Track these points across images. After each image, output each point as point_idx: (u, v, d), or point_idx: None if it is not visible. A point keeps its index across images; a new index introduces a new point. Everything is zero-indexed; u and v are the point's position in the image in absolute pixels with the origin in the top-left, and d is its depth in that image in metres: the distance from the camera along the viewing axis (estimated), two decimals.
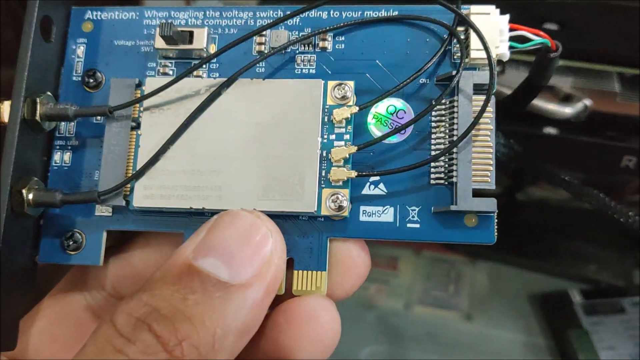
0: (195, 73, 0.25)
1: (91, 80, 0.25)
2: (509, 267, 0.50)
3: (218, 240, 0.20)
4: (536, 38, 0.24)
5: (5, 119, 0.23)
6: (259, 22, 0.25)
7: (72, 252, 0.24)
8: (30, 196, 0.23)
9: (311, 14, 0.24)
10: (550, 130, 0.39)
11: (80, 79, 0.25)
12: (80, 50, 0.26)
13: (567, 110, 0.37)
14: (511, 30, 0.23)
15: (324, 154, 0.23)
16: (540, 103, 0.37)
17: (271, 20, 0.24)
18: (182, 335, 0.18)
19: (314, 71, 0.24)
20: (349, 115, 0.23)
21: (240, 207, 0.22)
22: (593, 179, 0.49)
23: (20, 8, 0.26)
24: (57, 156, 0.25)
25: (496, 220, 0.22)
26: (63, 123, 0.25)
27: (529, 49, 0.24)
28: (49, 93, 0.24)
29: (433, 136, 0.23)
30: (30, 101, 0.23)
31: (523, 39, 0.24)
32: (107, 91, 0.25)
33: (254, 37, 0.25)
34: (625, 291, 0.50)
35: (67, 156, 0.25)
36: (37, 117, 0.23)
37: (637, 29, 0.37)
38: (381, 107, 0.23)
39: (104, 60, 0.25)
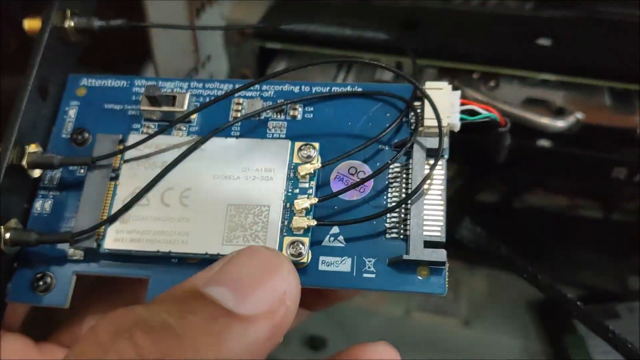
0: (175, 133, 0.27)
1: (79, 137, 0.27)
2: (507, 274, 0.51)
3: (232, 272, 0.19)
4: (485, 112, 0.26)
5: None
6: (238, 94, 0.27)
7: (41, 293, 0.25)
8: (8, 235, 0.24)
9: (284, 88, 0.27)
10: (543, 142, 0.40)
11: (69, 136, 0.27)
12: (73, 112, 0.28)
13: (560, 124, 0.38)
14: (463, 104, 0.26)
15: (287, 205, 0.24)
16: (534, 117, 0.38)
17: (249, 93, 0.27)
18: (165, 350, 0.16)
19: (283, 136, 0.26)
20: (313, 171, 0.25)
21: (205, 250, 0.24)
22: (585, 190, 0.50)
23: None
24: (38, 204, 0.26)
25: (447, 273, 0.24)
26: (48, 174, 0.26)
27: (478, 122, 0.26)
28: (37, 143, 0.26)
29: (389, 194, 0.25)
30: (19, 148, 0.25)
31: (474, 112, 0.26)
32: (92, 147, 0.26)
33: (232, 105, 0.27)
34: (620, 297, 0.51)
35: (48, 204, 0.26)
36: (24, 164, 0.25)
37: (627, 44, 0.39)
38: (343, 169, 0.25)
39: (93, 121, 0.28)
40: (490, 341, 0.50)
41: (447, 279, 0.23)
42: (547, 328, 0.50)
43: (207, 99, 0.27)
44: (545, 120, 0.38)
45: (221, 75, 0.45)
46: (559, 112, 0.39)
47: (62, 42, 0.27)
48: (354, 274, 0.24)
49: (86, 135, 0.27)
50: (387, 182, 0.25)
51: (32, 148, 0.25)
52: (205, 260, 0.24)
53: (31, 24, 0.26)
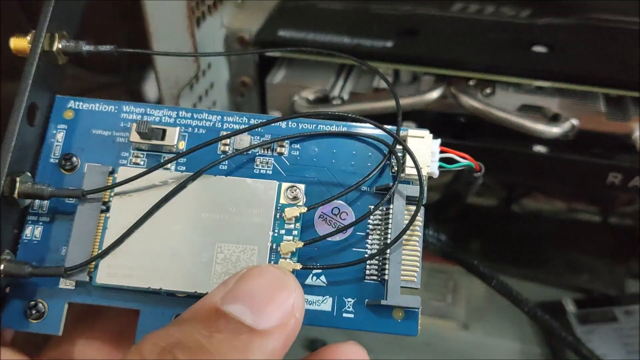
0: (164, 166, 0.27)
1: (67, 164, 0.27)
2: (505, 277, 0.52)
3: (245, 290, 0.21)
4: (463, 160, 0.27)
5: None
6: (226, 125, 0.27)
7: (34, 321, 0.26)
8: (1, 267, 0.24)
9: (272, 124, 0.27)
10: (539, 148, 0.40)
11: (57, 161, 0.27)
12: (60, 135, 0.27)
13: (555, 130, 0.39)
14: (441, 152, 0.26)
15: (274, 247, 0.25)
16: (530, 123, 0.39)
17: (236, 125, 0.27)
18: None
19: (270, 172, 0.27)
20: (299, 214, 0.25)
21: (194, 289, 0.24)
22: (582, 194, 0.51)
23: (26, 23, 0.27)
24: (28, 230, 0.26)
25: (420, 315, 0.25)
26: (37, 200, 0.27)
27: (455, 170, 0.27)
28: (27, 173, 0.26)
29: (370, 237, 0.26)
30: (9, 180, 0.25)
31: (451, 160, 0.27)
32: (81, 174, 0.27)
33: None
34: (617, 300, 0.51)
35: (38, 231, 0.26)
36: (15, 195, 0.25)
37: (621, 51, 0.39)
38: (327, 208, 0.26)
39: (81, 146, 0.27)
40: (489, 344, 0.50)
41: (419, 322, 0.25)
42: (545, 331, 0.50)
43: (196, 130, 0.27)
44: (540, 127, 0.39)
45: (221, 83, 0.46)
46: (555, 119, 0.40)
47: (49, 65, 0.27)
48: (334, 314, 0.25)
49: (75, 161, 0.27)
50: (367, 225, 0.26)
51: (23, 178, 0.25)
52: (193, 297, 0.25)
53: (17, 44, 0.26)
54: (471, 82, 0.41)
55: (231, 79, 0.46)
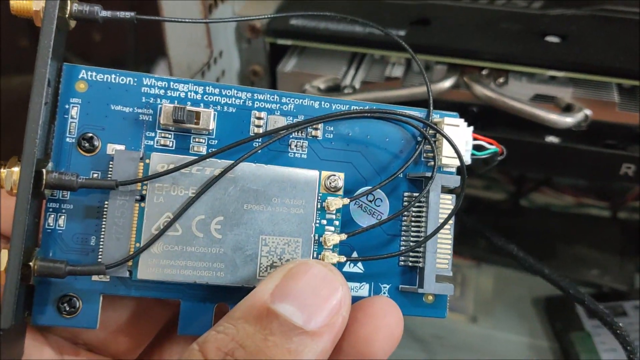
0: (195, 148, 0.26)
1: (88, 145, 0.25)
2: (513, 271, 0.52)
3: (294, 288, 0.22)
4: (491, 147, 0.28)
5: (10, 187, 0.22)
6: (257, 104, 0.26)
7: (68, 316, 0.24)
8: (36, 267, 0.23)
9: (304, 102, 0.27)
10: (552, 139, 0.40)
11: (74, 140, 0.25)
12: (75, 111, 0.25)
13: (568, 120, 0.39)
14: (474, 140, 0.27)
15: (316, 237, 0.25)
16: (543, 113, 0.39)
17: (267, 104, 0.26)
18: None
19: (305, 156, 0.26)
20: (341, 206, 0.25)
21: (241, 283, 0.24)
22: (593, 186, 0.51)
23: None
24: (50, 219, 0.24)
25: (448, 299, 0.27)
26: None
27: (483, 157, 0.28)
28: (51, 162, 0.24)
29: (404, 224, 0.27)
30: (36, 172, 0.22)
31: (480, 147, 0.28)
32: (103, 156, 0.25)
33: (252, 117, 0.26)
34: (627, 295, 0.51)
35: (62, 220, 0.25)
36: (42, 188, 0.23)
37: (634, 41, 0.39)
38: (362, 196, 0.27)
39: (100, 124, 0.25)
40: (497, 338, 0.50)
41: (448, 304, 0.27)
42: (553, 324, 0.50)
43: (225, 108, 0.26)
44: (553, 117, 0.39)
45: (232, 71, 0.46)
46: (568, 109, 0.39)
47: (59, 31, 0.23)
48: None
49: (95, 143, 0.25)
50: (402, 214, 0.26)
51: (49, 168, 0.23)
52: (236, 289, 0.24)
53: (19, 5, 0.23)
54: (484, 72, 0.40)
55: (242, 67, 0.46)
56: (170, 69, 0.40)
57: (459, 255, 0.55)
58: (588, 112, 0.39)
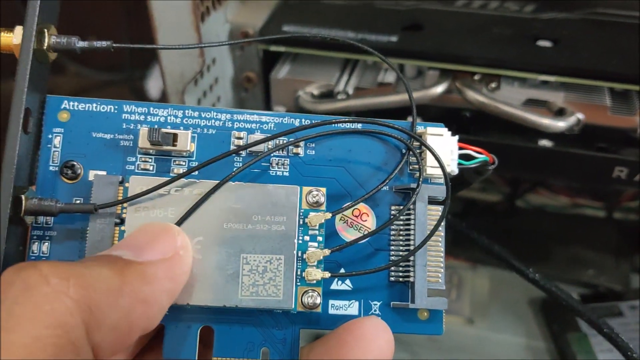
0: (176, 170, 0.26)
1: (70, 172, 0.25)
2: (509, 272, 0.52)
3: (129, 240, 0.22)
4: (480, 156, 0.27)
5: None
6: (236, 124, 0.26)
7: None
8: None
9: (284, 120, 0.26)
10: (545, 143, 0.40)
11: (57, 169, 0.25)
12: (57, 140, 0.25)
13: (561, 124, 0.39)
14: (460, 149, 0.26)
15: (300, 254, 0.25)
16: (535, 117, 0.39)
17: (247, 124, 0.26)
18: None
19: (287, 174, 0.26)
20: (323, 221, 0.25)
21: (223, 303, 0.24)
22: (586, 189, 0.51)
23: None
24: (34, 246, 0.25)
25: (444, 314, 0.26)
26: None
27: (472, 166, 0.27)
28: (31, 188, 0.24)
29: (392, 238, 0.26)
30: (14, 198, 0.22)
31: (468, 157, 0.27)
32: (86, 182, 0.25)
33: (232, 137, 0.26)
34: (623, 295, 0.51)
35: (46, 247, 0.25)
36: (21, 214, 0.23)
37: (626, 45, 0.39)
38: (347, 210, 0.26)
39: (82, 151, 0.25)
40: (494, 339, 0.50)
41: (444, 320, 0.26)
42: (549, 326, 0.50)
43: (205, 130, 0.26)
44: (546, 121, 0.39)
45: (226, 78, 0.46)
46: (560, 113, 0.40)
47: (38, 62, 0.24)
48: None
49: (77, 169, 0.25)
50: (389, 227, 0.26)
51: (28, 194, 0.23)
52: (219, 309, 0.24)
53: (5, 41, 0.24)
54: (476, 77, 0.40)
55: (235, 74, 0.46)
56: (163, 78, 0.40)
57: (454, 257, 0.55)
58: (580, 115, 0.39)
